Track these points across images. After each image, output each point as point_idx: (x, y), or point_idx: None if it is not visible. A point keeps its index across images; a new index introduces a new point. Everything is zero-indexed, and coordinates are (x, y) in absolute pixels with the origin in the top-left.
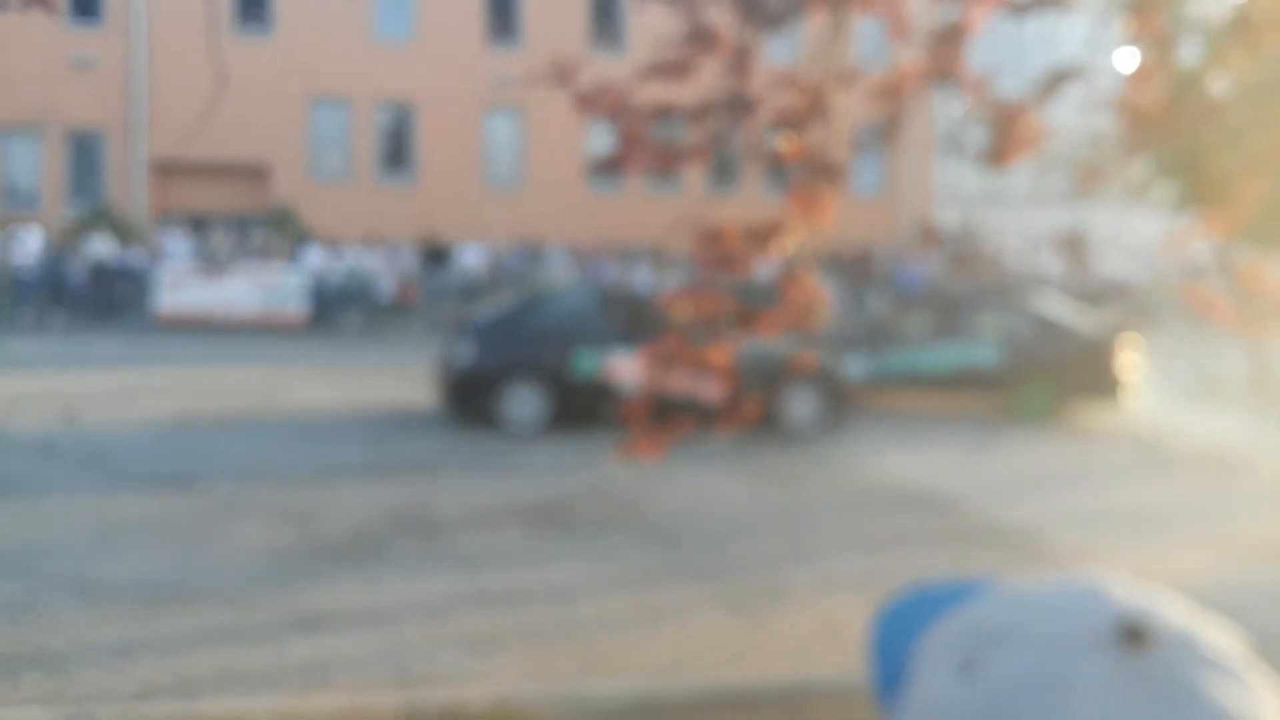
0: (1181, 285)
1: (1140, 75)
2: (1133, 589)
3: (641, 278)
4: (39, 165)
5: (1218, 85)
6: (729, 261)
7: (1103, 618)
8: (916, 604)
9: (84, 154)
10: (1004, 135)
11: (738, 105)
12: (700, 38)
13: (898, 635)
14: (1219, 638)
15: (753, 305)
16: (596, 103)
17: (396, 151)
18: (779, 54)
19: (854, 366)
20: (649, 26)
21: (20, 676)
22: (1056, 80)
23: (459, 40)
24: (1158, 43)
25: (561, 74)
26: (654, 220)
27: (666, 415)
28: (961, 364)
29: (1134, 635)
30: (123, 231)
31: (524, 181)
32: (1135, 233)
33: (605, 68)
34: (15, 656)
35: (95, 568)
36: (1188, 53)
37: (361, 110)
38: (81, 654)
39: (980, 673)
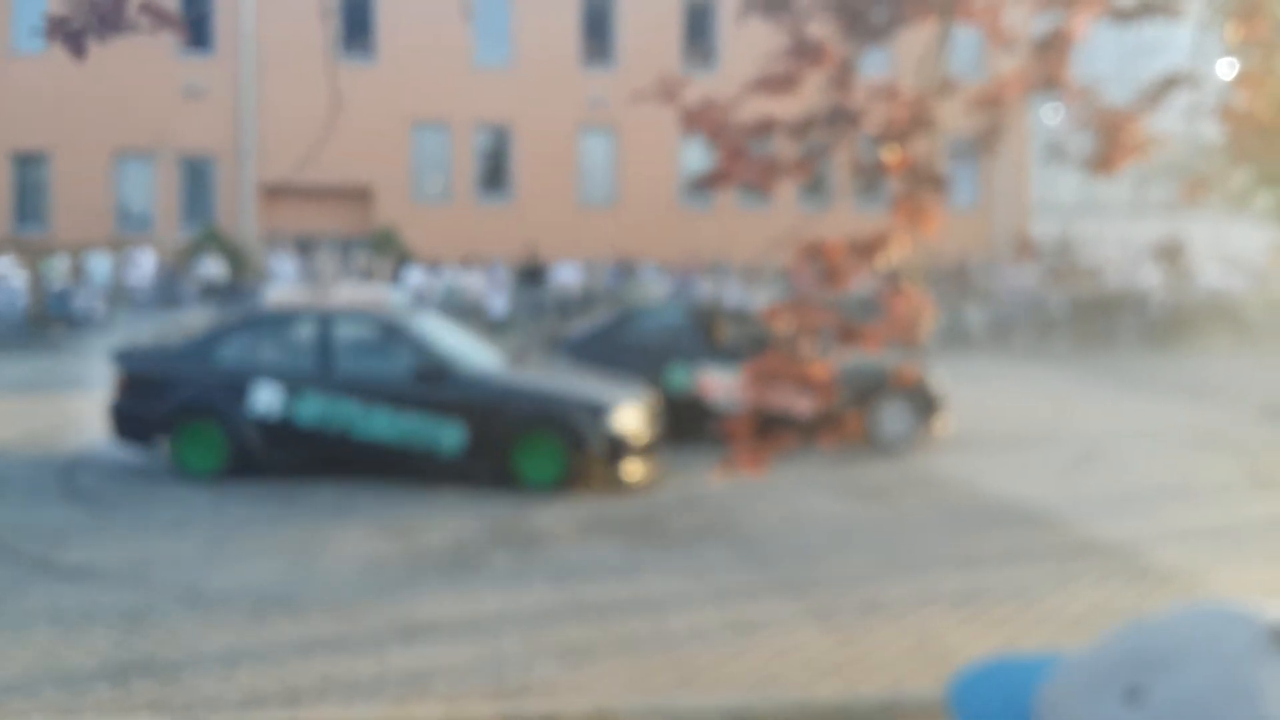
0: None
1: (1246, 82)
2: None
3: (733, 294)
4: (152, 189)
5: None
6: (832, 276)
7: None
8: (992, 673)
9: (195, 178)
10: (1111, 143)
11: (841, 118)
12: (806, 51)
13: (981, 700)
14: None
15: (850, 319)
16: (700, 119)
17: (494, 173)
18: (870, 67)
19: None
20: (741, 45)
21: (132, 683)
22: (1165, 87)
23: (554, 63)
24: (1264, 49)
25: (667, 92)
26: (745, 236)
27: (765, 431)
28: None
29: None
30: (232, 253)
31: (618, 200)
32: (1234, 243)
33: (699, 86)
34: (128, 664)
35: (205, 578)
36: None
37: (461, 133)
38: (191, 662)
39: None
